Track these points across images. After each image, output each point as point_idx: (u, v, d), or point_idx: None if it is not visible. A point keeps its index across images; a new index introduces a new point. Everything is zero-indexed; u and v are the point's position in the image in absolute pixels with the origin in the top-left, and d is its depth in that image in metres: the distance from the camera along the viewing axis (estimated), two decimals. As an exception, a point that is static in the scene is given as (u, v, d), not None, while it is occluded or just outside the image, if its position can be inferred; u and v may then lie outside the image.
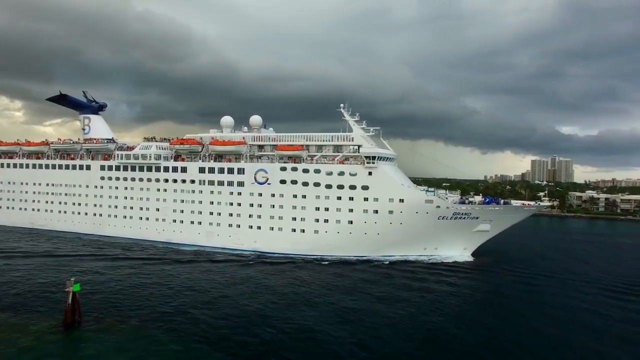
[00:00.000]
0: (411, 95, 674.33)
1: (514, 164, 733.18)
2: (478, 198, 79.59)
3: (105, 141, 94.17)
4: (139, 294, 50.56)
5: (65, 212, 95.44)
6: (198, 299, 49.36)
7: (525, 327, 43.71)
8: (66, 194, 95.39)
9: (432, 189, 76.27)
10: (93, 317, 42.37)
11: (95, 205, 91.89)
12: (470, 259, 73.24)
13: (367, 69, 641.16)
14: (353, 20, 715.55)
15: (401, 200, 70.11)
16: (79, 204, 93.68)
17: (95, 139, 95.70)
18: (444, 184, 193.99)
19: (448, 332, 41.86)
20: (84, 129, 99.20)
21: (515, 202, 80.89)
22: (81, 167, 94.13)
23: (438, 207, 69.88)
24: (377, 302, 50.25)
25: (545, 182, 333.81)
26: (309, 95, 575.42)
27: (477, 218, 71.80)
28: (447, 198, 75.17)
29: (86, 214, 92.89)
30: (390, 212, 70.19)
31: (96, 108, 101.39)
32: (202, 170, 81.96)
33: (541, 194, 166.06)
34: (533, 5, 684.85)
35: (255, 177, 77.98)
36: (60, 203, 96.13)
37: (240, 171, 79.17)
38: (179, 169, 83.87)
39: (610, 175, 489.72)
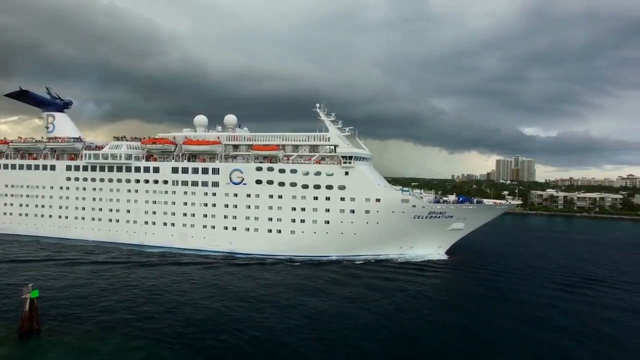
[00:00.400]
0: (381, 95, 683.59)
1: (480, 164, 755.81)
2: (452, 197, 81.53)
3: (72, 140, 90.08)
4: (102, 299, 48.39)
5: (27, 214, 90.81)
6: (164, 302, 47.87)
7: (494, 326, 44.20)
8: (28, 196, 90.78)
9: (407, 189, 77.47)
10: (53, 325, 40.24)
11: (60, 207, 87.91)
12: (445, 257, 74.86)
13: (339, 69, 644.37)
14: (325, 21, 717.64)
15: (377, 200, 70.82)
16: (43, 206, 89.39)
17: (60, 138, 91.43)
18: (412, 183, 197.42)
19: (418, 331, 42.11)
20: (47, 127, 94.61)
21: (487, 201, 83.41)
22: (45, 167, 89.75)
23: (414, 206, 71.05)
24: (347, 302, 50.01)
25: (509, 181, 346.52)
26: (282, 95, 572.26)
27: (451, 217, 73.50)
28: (422, 197, 76.54)
29: (50, 216, 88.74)
30: (367, 211, 70.77)
31: (61, 105, 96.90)
32: (175, 170, 80.00)
33: (505, 192, 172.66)
34: (498, 10, 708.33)
35: (230, 177, 76.83)
36: (21, 205, 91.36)
37: (215, 171, 77.79)
38: (151, 169, 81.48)
39: (568, 174, 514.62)
